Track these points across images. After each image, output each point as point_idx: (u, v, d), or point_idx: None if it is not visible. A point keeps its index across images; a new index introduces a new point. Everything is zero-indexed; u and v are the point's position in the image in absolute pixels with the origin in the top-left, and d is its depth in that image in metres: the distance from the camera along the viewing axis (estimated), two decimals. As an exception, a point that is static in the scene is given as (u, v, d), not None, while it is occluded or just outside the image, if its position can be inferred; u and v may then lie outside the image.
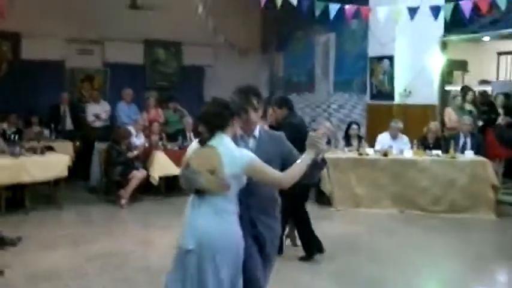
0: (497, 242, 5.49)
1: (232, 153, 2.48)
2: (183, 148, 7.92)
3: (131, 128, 7.89)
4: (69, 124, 9.15)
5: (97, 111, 9.01)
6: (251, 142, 2.75)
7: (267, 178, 2.52)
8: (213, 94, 10.73)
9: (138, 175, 7.22)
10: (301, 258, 4.86)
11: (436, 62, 8.33)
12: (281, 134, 2.89)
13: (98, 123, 9.00)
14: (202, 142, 2.55)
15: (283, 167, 2.61)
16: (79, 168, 8.07)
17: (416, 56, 8.24)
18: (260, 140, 2.78)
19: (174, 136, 8.45)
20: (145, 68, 10.85)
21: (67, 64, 10.02)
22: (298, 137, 3.93)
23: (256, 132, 2.78)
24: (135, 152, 7.45)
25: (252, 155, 2.51)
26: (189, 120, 8.62)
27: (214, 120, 2.54)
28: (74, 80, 10.16)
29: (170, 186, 7.50)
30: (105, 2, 9.59)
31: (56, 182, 6.76)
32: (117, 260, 4.78)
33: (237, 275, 2.54)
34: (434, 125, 7.66)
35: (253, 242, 2.70)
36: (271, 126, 4.79)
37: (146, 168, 7.47)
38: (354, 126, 8.03)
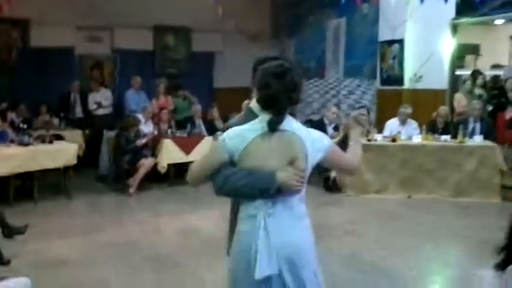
0: (502, 227, 5.43)
1: (313, 136, 2.00)
2: (191, 135, 7.97)
3: (140, 116, 7.93)
4: (79, 112, 9.24)
5: (97, 99, 9.08)
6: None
7: (345, 163, 2.15)
8: (223, 81, 10.94)
9: (146, 163, 7.27)
10: None
11: (447, 46, 8.19)
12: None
13: (100, 111, 9.07)
14: (274, 127, 1.93)
15: None
16: (88, 156, 8.16)
17: (426, 39, 8.12)
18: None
19: (183, 123, 8.48)
20: (154, 55, 10.83)
21: (76, 51, 10.04)
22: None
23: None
24: (144, 140, 7.49)
25: (327, 137, 2.10)
26: (198, 107, 8.64)
27: (293, 95, 1.96)
28: (83, 67, 10.20)
29: (178, 174, 7.55)
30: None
31: (65, 171, 6.83)
32: (125, 248, 4.84)
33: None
34: (443, 109, 7.58)
35: None
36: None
37: (155, 156, 7.52)
38: (364, 111, 7.96)
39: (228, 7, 8.76)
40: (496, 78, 9.29)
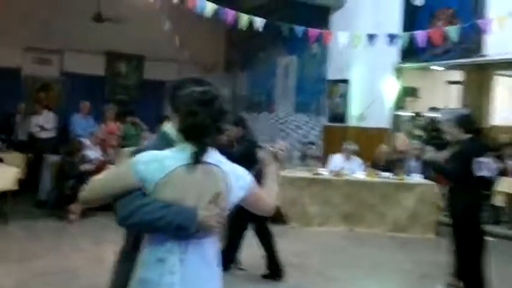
0: (439, 261, 5.70)
1: (237, 172, 1.82)
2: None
3: (87, 141, 7.79)
4: (22, 135, 8.97)
5: (40, 122, 8.87)
6: None
7: (262, 203, 1.94)
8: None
9: (91, 189, 7.10)
10: (265, 276, 4.85)
11: (391, 88, 8.66)
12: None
13: (43, 134, 8.85)
14: (198, 158, 1.72)
15: None
16: (28, 180, 7.86)
17: (371, 81, 8.56)
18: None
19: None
20: (105, 80, 10.75)
21: (23, 72, 9.82)
22: (251, 153, 4.19)
23: None
24: (89, 166, 7.34)
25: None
26: (147, 134, 8.57)
27: (222, 125, 1.80)
28: (29, 89, 9.95)
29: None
30: (68, 12, 9.51)
31: (2, 195, 6.55)
32: (64, 277, 4.68)
33: None
34: (384, 147, 7.95)
35: None
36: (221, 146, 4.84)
37: (100, 182, 7.35)
38: (311, 147, 8.26)
39: (183, 38, 8.91)
40: (434, 120, 9.88)
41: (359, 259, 5.80)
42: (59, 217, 6.98)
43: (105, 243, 5.98)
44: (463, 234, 4.38)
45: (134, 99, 10.87)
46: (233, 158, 1.91)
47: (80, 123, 8.91)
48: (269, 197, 1.97)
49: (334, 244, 6.46)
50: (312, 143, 8.43)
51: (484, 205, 4.53)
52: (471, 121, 4.62)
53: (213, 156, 1.77)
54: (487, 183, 4.56)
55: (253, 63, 11.19)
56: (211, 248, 1.78)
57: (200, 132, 1.73)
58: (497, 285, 4.67)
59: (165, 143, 1.85)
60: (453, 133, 4.46)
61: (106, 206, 5.98)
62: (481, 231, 4.45)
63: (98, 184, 1.77)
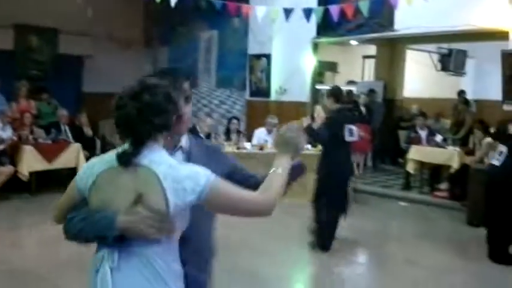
0: (354, 225, 6.07)
1: (180, 173, 1.54)
2: (56, 142, 7.60)
3: (-2, 120, 7.35)
4: None
5: None
6: (179, 157, 1.80)
7: (242, 206, 1.59)
8: (93, 86, 10.58)
9: (4, 171, 6.77)
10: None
11: (309, 62, 8.91)
12: (218, 145, 2.10)
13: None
14: (127, 160, 1.55)
15: None
16: None
17: (291, 55, 8.76)
18: (191, 154, 1.84)
19: (47, 129, 8.03)
20: (15, 55, 10.10)
21: None
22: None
23: (185, 143, 1.85)
24: (2, 146, 6.96)
25: (208, 172, 1.57)
26: (63, 112, 8.25)
27: (155, 120, 1.56)
28: None
29: (41, 183, 7.13)
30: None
31: None
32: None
33: None
34: (304, 120, 8.20)
35: None
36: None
37: (14, 163, 7.02)
38: (234, 121, 8.35)
39: (98, 11, 8.55)
40: (350, 93, 10.32)
41: (285, 229, 5.98)
42: (-30, 201, 6.61)
43: (21, 228, 5.78)
44: (327, 191, 5.14)
45: (48, 75, 10.31)
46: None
47: (-10, 101, 8.35)
48: (261, 196, 1.60)
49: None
50: (236, 118, 8.52)
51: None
52: (340, 93, 5.40)
53: (149, 156, 1.56)
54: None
55: (174, 38, 10.99)
56: (157, 258, 1.54)
57: (129, 129, 1.56)
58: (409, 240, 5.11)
59: None
60: (327, 104, 5.27)
61: (21, 187, 5.76)
62: (344, 189, 5.21)
63: (60, 200, 1.72)
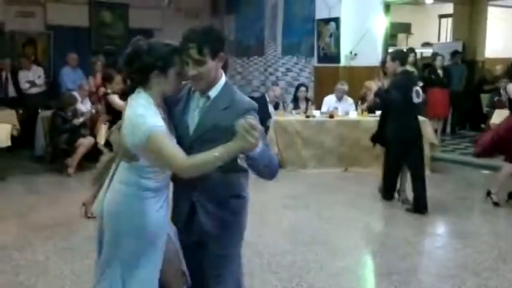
0: (433, 196, 5.84)
1: (135, 119, 1.99)
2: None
3: (76, 94, 7.72)
4: (11, 92, 8.83)
5: (30, 78, 8.72)
6: (201, 103, 2.10)
7: (162, 158, 1.96)
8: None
9: (85, 143, 7.13)
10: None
11: (380, 24, 8.50)
12: (250, 104, 2.09)
13: (34, 90, 8.72)
14: (126, 96, 2.20)
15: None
16: (23, 137, 7.86)
17: (361, 18, 8.38)
18: (213, 103, 2.07)
19: (122, 99, 8.32)
20: (90, 31, 10.50)
21: (6, 27, 9.56)
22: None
23: (213, 92, 2.08)
24: (81, 119, 7.32)
25: (156, 125, 1.96)
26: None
27: (130, 68, 2.07)
28: (14, 44, 9.73)
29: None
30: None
31: (-2, 152, 6.58)
32: (64, 230, 4.78)
33: (132, 265, 2.12)
34: (368, 83, 7.88)
35: (186, 234, 2.20)
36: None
37: (94, 135, 7.38)
38: (302, 89, 8.22)
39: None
40: (425, 57, 9.78)
41: (355, 198, 5.91)
42: (57, 171, 7.05)
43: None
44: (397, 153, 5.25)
45: (121, 49, 10.61)
46: None
47: (69, 76, 8.80)
48: (183, 158, 1.94)
49: (330, 185, 6.56)
50: (304, 85, 8.37)
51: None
52: (405, 55, 5.52)
53: (133, 98, 2.06)
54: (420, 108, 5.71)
55: (240, 6, 10.89)
56: (129, 173, 2.10)
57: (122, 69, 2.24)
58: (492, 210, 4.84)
59: None
60: (391, 67, 5.21)
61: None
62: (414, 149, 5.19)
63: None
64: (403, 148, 5.20)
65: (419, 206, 5.24)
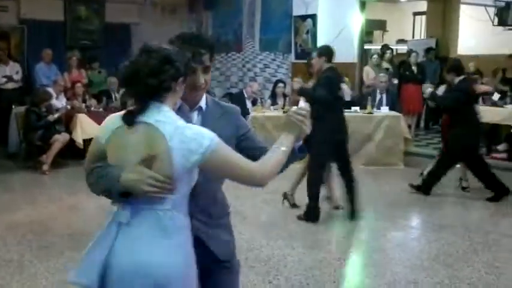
0: (407, 190, 5.96)
1: (184, 133, 1.60)
2: (108, 110, 7.79)
3: (51, 90, 7.61)
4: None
5: (7, 73, 8.55)
6: (194, 117, 1.90)
7: (237, 172, 1.67)
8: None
9: (60, 139, 7.04)
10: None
11: (356, 21, 8.60)
12: (236, 108, 2.05)
13: (10, 85, 8.56)
14: (130, 118, 1.63)
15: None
16: (-4, 133, 7.74)
17: (337, 15, 8.47)
18: (207, 114, 1.92)
19: (98, 97, 8.26)
20: (66, 26, 10.33)
21: (-22, 21, 9.36)
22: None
23: (203, 103, 1.92)
24: (56, 115, 7.22)
25: (212, 133, 1.64)
26: (113, 79, 8.42)
27: (148, 81, 1.61)
28: (-14, 39, 9.51)
29: (95, 150, 7.39)
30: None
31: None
32: (40, 227, 4.73)
33: None
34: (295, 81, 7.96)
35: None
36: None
37: (69, 131, 7.29)
38: (280, 85, 8.26)
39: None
40: (400, 53, 9.93)
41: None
42: (31, 168, 6.95)
43: (79, 193, 5.99)
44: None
45: (98, 44, 10.52)
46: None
47: (44, 72, 8.64)
48: (259, 166, 1.68)
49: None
50: (282, 81, 8.41)
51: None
52: (332, 51, 5.00)
53: (155, 116, 1.62)
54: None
55: (218, 2, 10.87)
56: (166, 214, 1.63)
57: (126, 88, 1.67)
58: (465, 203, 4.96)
59: None
60: (317, 63, 4.95)
61: (78, 155, 5.96)
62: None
63: (87, 156, 1.78)
64: (332, 149, 4.85)
65: (353, 212, 4.95)
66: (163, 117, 1.62)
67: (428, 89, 5.85)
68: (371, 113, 7.37)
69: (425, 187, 5.74)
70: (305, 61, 8.70)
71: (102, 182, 1.67)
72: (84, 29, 10.54)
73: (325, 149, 4.71)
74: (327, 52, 4.96)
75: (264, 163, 1.69)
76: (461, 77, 5.53)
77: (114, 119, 1.70)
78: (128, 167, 1.61)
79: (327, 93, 4.68)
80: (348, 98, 5.12)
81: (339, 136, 4.88)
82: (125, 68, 1.66)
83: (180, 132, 1.60)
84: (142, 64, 1.62)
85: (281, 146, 1.74)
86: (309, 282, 3.64)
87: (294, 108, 1.81)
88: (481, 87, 7.01)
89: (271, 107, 7.96)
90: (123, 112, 1.67)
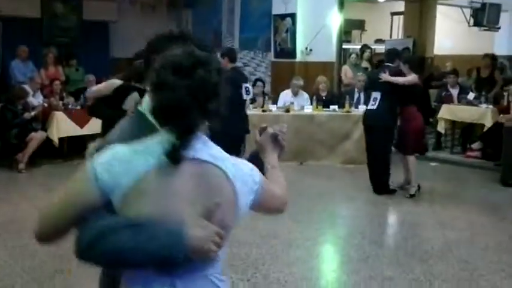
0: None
1: (242, 170, 1.31)
2: (84, 107, 7.70)
3: (27, 87, 7.49)
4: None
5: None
6: None
7: (276, 202, 1.46)
8: (121, 51, 10.60)
9: (36, 137, 6.94)
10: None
11: (335, 21, 8.67)
12: None
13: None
14: (177, 155, 1.19)
15: None
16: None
17: (316, 14, 8.53)
18: None
19: (76, 95, 8.15)
20: (42, 22, 10.17)
21: (-49, 18, 9.15)
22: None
23: None
24: (33, 113, 7.11)
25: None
26: (91, 77, 8.32)
27: (209, 106, 1.22)
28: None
29: (72, 148, 7.30)
30: None
31: None
32: (15, 227, 4.65)
33: None
34: (320, 78, 8.03)
35: None
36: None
37: (45, 129, 7.19)
38: (259, 84, 8.28)
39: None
40: (378, 53, 10.05)
41: (307, 189, 6.03)
42: (7, 167, 6.83)
43: (55, 191, 5.93)
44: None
45: (75, 41, 10.38)
46: None
47: (20, 69, 8.48)
48: (281, 190, 1.49)
49: (286, 178, 6.60)
50: (261, 80, 8.44)
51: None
52: (234, 53, 5.58)
53: (205, 148, 1.24)
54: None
55: (198, 0, 10.83)
56: (217, 277, 1.28)
57: (177, 115, 1.18)
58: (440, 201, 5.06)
59: (145, 129, 1.29)
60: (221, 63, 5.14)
61: (55, 153, 5.91)
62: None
63: (51, 212, 1.26)
64: (230, 146, 5.06)
65: None
66: (215, 150, 1.27)
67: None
68: (349, 112, 7.45)
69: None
70: (285, 60, 8.79)
71: (145, 246, 1.14)
72: (61, 26, 10.38)
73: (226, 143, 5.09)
74: (230, 53, 5.41)
75: (281, 186, 1.50)
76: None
77: (134, 155, 1.20)
78: (188, 221, 1.17)
79: (230, 93, 4.92)
80: (249, 96, 5.55)
81: (239, 133, 5.30)
82: (167, 86, 1.17)
83: (239, 170, 1.28)
84: (202, 82, 1.20)
85: (278, 172, 1.57)
86: (287, 279, 3.67)
87: (277, 128, 1.66)
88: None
89: (250, 106, 7.96)
90: (153, 143, 1.21)
